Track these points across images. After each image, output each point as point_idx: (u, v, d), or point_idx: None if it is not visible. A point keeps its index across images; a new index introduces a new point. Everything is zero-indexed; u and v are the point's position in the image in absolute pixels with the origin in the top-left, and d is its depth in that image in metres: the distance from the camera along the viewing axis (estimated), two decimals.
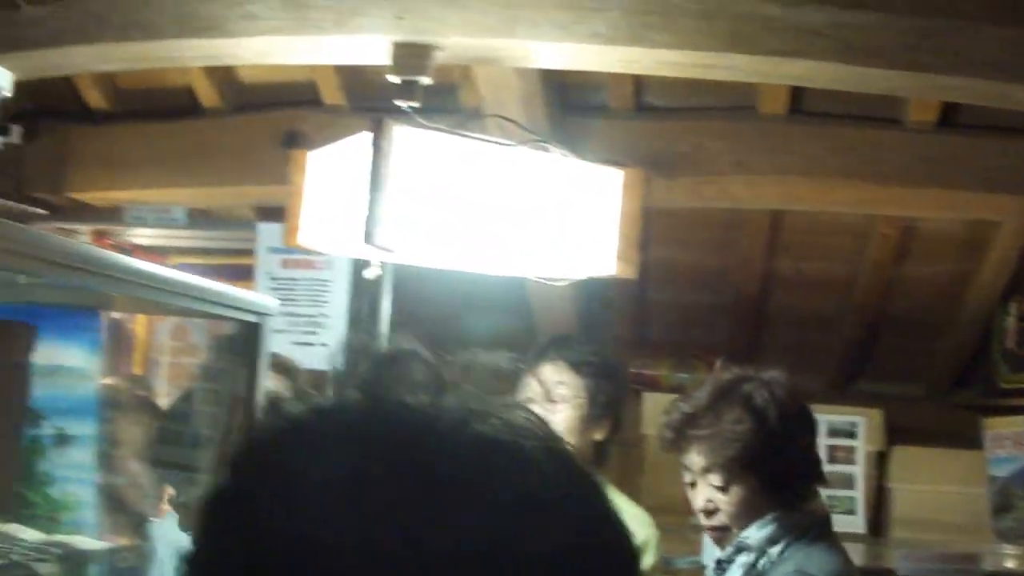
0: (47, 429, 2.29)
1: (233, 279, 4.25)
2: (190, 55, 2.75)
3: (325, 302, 4.01)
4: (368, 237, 2.24)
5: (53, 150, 4.62)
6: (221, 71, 4.22)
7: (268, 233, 4.13)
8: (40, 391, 2.25)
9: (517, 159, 2.48)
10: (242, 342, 2.12)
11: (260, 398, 2.11)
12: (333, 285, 4.02)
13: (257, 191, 4.34)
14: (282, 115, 4.24)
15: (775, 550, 2.36)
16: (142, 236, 4.60)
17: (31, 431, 2.28)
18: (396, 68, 2.49)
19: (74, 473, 2.32)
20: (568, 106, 3.87)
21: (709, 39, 2.43)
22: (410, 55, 2.47)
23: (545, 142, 2.57)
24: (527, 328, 4.61)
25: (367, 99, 4.13)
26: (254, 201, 4.61)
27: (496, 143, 2.50)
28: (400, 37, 2.45)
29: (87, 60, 2.90)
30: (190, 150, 4.36)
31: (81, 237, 4.57)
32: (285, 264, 4.07)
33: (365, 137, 2.55)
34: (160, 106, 4.53)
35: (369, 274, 2.81)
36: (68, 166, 4.64)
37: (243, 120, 4.33)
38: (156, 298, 1.77)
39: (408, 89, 2.50)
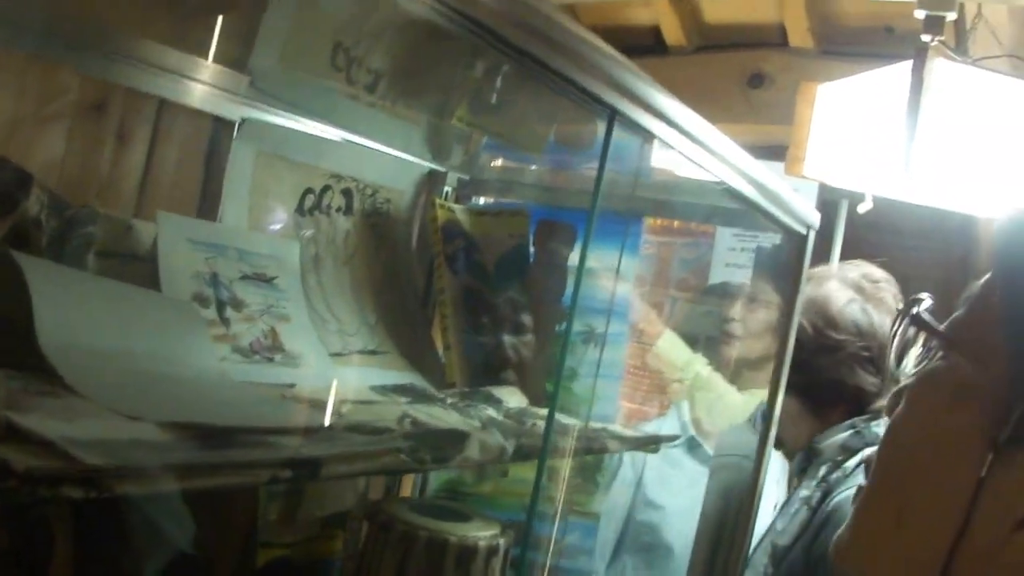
0: (578, 326, 2.42)
1: None
2: None
3: None
4: (903, 165, 2.27)
5: None
6: (688, 10, 4.31)
7: None
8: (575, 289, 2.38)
9: None
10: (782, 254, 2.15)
11: (797, 316, 2.17)
12: None
13: (720, 129, 4.39)
14: (746, 55, 4.29)
15: (851, 463, 2.29)
16: None
17: (562, 326, 2.43)
18: (922, 2, 2.49)
19: (601, 369, 2.45)
20: None
21: None
22: None
23: None
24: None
25: (834, 43, 4.15)
26: None
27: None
28: None
29: None
30: None
31: None
32: None
33: (881, 72, 2.58)
34: (626, 43, 4.65)
35: (862, 209, 2.84)
36: None
37: (707, 59, 4.41)
38: (730, 181, 1.83)
39: (932, 23, 2.49)
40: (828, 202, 3.98)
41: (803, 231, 2.10)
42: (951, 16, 2.48)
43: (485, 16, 1.18)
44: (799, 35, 4.15)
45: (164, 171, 2.19)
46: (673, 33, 4.40)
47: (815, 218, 2.15)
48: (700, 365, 3.12)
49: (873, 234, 4.05)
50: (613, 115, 1.46)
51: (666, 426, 3.37)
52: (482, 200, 2.68)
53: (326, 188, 2.29)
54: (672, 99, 1.57)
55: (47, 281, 1.55)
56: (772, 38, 4.27)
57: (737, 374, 3.34)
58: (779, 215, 1.99)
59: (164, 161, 2.17)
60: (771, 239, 3.74)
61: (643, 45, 4.57)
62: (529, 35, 1.25)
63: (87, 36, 1.87)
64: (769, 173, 1.90)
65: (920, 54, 2.31)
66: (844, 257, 4.20)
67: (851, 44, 4.08)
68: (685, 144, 1.64)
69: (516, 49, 1.24)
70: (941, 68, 2.34)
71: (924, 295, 1.16)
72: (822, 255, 4.17)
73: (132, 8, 1.98)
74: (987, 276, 0.99)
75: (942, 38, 2.48)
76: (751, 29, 4.28)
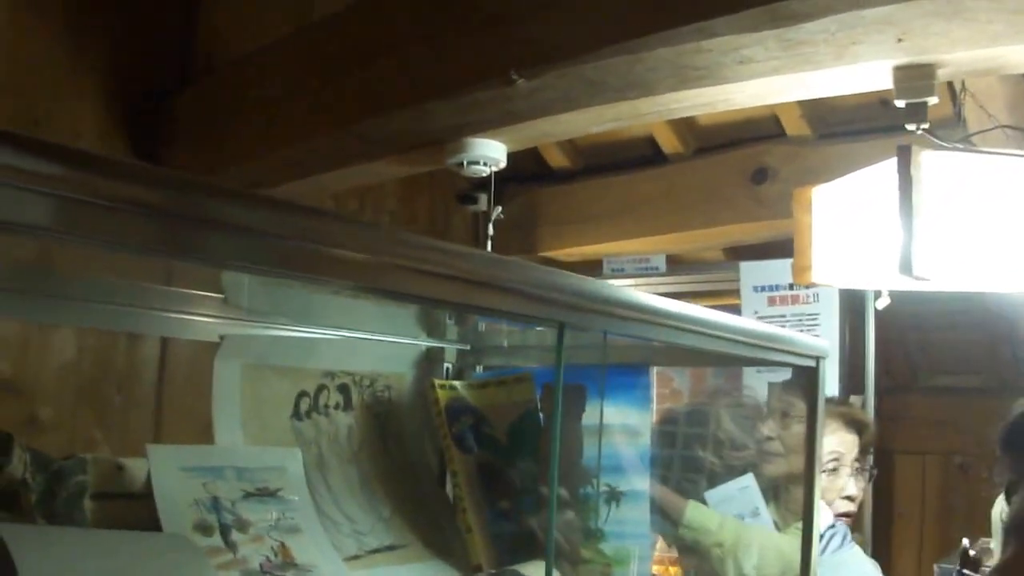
0: (600, 487, 2.35)
1: None
2: (684, 106, 2.76)
3: (816, 335, 3.94)
4: (904, 268, 2.19)
5: (521, 213, 4.81)
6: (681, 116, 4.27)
7: (751, 272, 4.15)
8: (590, 449, 2.31)
9: None
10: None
11: (820, 438, 2.10)
12: (822, 317, 3.98)
13: (730, 230, 4.34)
14: (745, 152, 4.24)
15: None
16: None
17: (584, 489, 2.35)
18: (899, 92, 2.42)
19: (627, 528, 2.36)
20: None
21: None
22: (913, 77, 2.39)
23: None
24: (1012, 350, 4.44)
25: (831, 126, 4.09)
26: (727, 241, 4.62)
27: (1017, 155, 2.40)
28: (901, 60, 2.37)
29: (579, 125, 2.97)
30: (656, 198, 4.42)
31: None
32: (771, 301, 4.06)
33: (873, 169, 2.51)
34: (621, 158, 4.63)
35: (880, 305, 2.75)
36: (537, 227, 4.81)
37: (707, 162, 4.36)
38: (722, 348, 1.77)
39: (914, 111, 2.41)
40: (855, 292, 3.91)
41: (812, 363, 2.04)
42: (932, 101, 2.41)
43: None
44: (794, 124, 4.09)
45: (172, 402, 2.18)
46: (668, 141, 4.37)
47: (823, 347, 2.08)
48: (733, 522, 3.05)
49: (911, 306, 3.96)
50: (563, 327, 1.41)
51: None
52: (485, 369, 2.61)
53: (321, 388, 2.24)
54: (629, 293, 1.51)
55: (33, 548, 1.51)
56: (769, 131, 4.22)
57: (786, 491, 3.25)
58: (783, 358, 1.93)
59: (171, 390, 2.16)
60: None
61: (641, 156, 4.54)
62: (474, 289, 1.23)
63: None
64: (760, 324, 1.83)
65: (903, 153, 2.24)
66: (886, 334, 4.13)
67: (848, 123, 4.02)
68: (653, 330, 1.57)
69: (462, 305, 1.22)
70: (927, 160, 2.27)
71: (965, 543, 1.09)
72: (859, 340, 4.09)
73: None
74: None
75: (926, 125, 2.41)
76: (747, 125, 4.24)
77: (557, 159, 4.77)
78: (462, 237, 4.73)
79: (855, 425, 3.28)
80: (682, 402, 4.40)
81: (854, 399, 4.07)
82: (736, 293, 4.21)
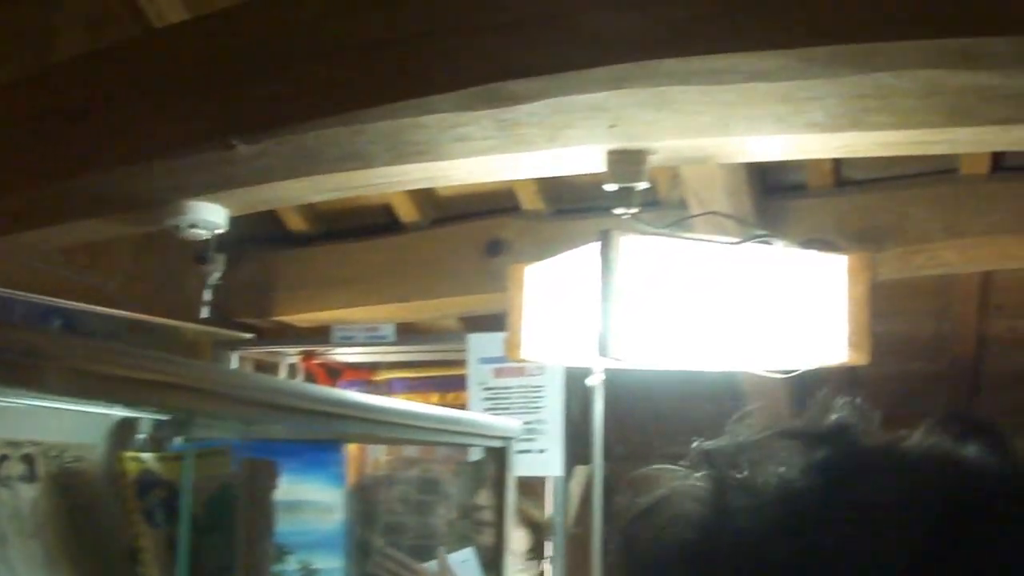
0: (293, 564, 2.31)
1: (444, 390, 4.29)
2: (402, 180, 2.76)
3: (540, 407, 3.97)
4: (602, 350, 2.22)
5: (257, 275, 4.74)
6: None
7: (478, 343, 4.15)
8: (285, 526, 2.27)
9: (739, 255, 2.45)
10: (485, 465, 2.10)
11: (509, 517, 2.10)
12: (546, 391, 4.00)
13: (462, 301, 4.36)
14: (481, 224, 4.29)
15: None
16: (349, 354, 4.65)
17: (278, 567, 2.30)
18: (611, 176, 2.47)
19: None
20: (768, 188, 3.83)
21: (929, 116, 2.34)
22: (624, 162, 2.45)
23: (768, 235, 2.52)
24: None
25: (566, 202, 4.15)
26: (460, 312, 4.63)
27: (718, 241, 2.47)
28: (613, 145, 2.42)
29: (299, 193, 2.95)
30: (392, 266, 4.42)
31: (288, 359, 4.67)
32: (497, 373, 4.06)
33: (581, 250, 2.54)
34: (359, 225, 4.62)
35: (592, 382, 2.80)
36: (272, 290, 4.75)
37: (443, 232, 4.39)
38: (403, 435, 1.76)
39: (624, 195, 2.47)
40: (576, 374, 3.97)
41: (500, 444, 2.05)
42: (642, 186, 2.46)
43: None
44: (529, 198, 4.16)
45: None
46: (407, 210, 4.38)
47: (512, 428, 2.10)
48: None
49: (644, 378, 4.03)
50: (188, 416, 1.37)
51: None
52: (187, 441, 2.54)
53: (2, 458, 2.15)
54: (274, 381, 1.48)
55: None
56: (506, 204, 4.27)
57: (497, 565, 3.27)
58: (470, 440, 1.94)
59: None
60: None
61: (380, 224, 4.54)
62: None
63: None
64: (441, 410, 1.84)
65: (604, 237, 2.27)
66: (621, 404, 4.20)
67: (581, 200, 4.10)
68: (302, 418, 1.54)
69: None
70: (634, 244, 2.31)
71: None
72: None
73: None
74: None
75: (635, 210, 2.46)
76: (485, 197, 4.29)
77: (296, 222, 4.73)
78: (195, 298, 4.61)
79: (529, 523, 3.34)
80: (412, 469, 4.34)
81: (580, 468, 4.11)
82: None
